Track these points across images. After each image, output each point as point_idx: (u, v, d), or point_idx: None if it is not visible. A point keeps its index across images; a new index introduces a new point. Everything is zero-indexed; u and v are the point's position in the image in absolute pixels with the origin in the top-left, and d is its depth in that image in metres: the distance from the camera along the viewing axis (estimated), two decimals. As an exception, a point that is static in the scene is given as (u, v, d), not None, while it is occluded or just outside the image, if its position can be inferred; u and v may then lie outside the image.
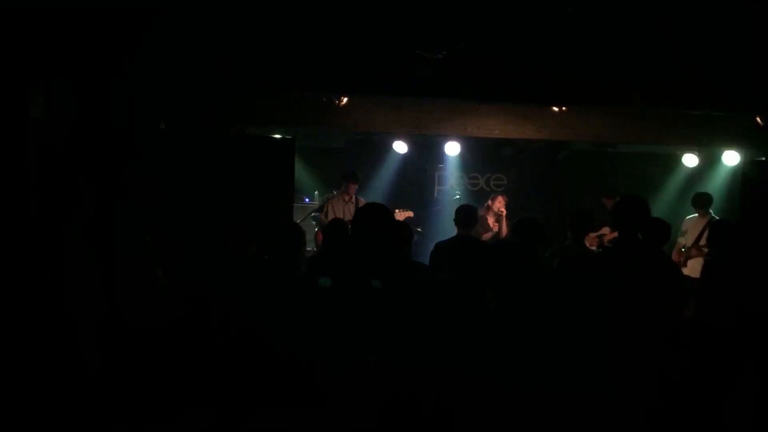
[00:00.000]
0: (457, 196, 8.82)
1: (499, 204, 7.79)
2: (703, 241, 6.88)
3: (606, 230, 7.52)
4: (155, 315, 4.20)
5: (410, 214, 7.87)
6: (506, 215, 7.67)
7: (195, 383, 3.72)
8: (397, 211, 7.56)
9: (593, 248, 6.99)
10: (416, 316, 2.49)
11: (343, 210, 7.56)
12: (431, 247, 5.45)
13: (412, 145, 8.91)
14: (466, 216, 5.40)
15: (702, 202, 7.30)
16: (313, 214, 7.87)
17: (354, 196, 7.75)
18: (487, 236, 7.43)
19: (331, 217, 7.43)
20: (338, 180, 8.00)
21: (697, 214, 7.31)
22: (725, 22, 5.26)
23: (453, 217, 5.48)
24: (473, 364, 2.51)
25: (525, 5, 5.18)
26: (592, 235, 7.34)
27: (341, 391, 2.41)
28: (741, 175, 7.32)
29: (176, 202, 5.69)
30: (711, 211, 7.29)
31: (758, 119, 6.57)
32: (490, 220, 7.75)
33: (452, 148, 8.60)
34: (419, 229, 8.42)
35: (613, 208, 4.62)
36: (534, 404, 2.68)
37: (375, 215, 2.71)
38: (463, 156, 9.14)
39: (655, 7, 5.23)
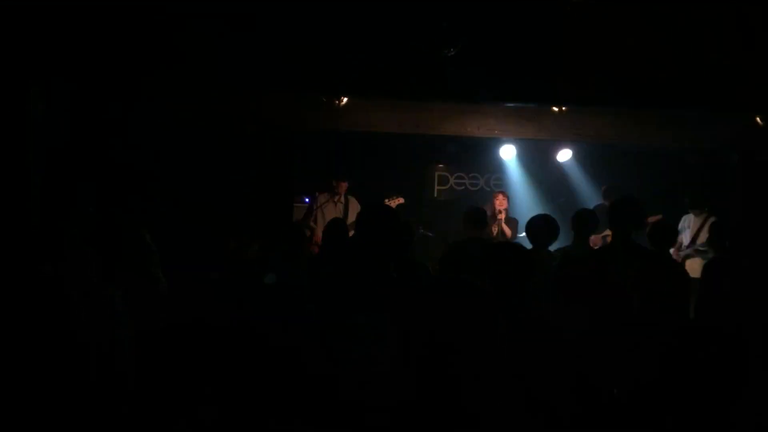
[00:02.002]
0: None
1: (499, 203, 7.73)
2: (700, 240, 6.89)
3: (609, 232, 7.48)
4: (155, 316, 4.19)
5: (401, 200, 7.77)
6: (504, 216, 7.59)
7: (196, 385, 3.72)
8: (386, 201, 7.50)
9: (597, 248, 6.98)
10: (432, 315, 2.48)
11: (334, 212, 7.49)
12: (431, 246, 5.45)
13: (413, 145, 8.90)
14: (476, 217, 5.38)
15: (696, 201, 7.30)
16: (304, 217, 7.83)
17: (344, 196, 7.69)
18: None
19: (321, 220, 7.38)
20: (327, 181, 7.94)
21: (692, 213, 7.32)
22: (725, 22, 5.26)
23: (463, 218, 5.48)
24: (485, 363, 2.51)
25: (525, 5, 5.18)
26: (596, 236, 7.33)
27: (351, 393, 2.41)
28: (741, 175, 7.32)
29: (176, 202, 5.69)
30: (707, 209, 7.29)
31: (758, 119, 6.57)
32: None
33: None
34: (422, 230, 8.41)
35: (608, 208, 4.64)
36: (539, 404, 2.68)
37: (381, 216, 2.70)
38: (464, 156, 9.16)
39: (655, 6, 5.23)
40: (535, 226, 4.81)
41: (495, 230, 7.52)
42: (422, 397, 2.41)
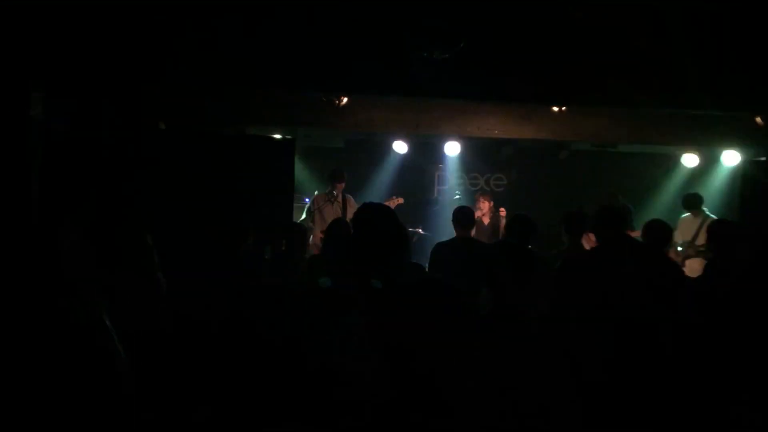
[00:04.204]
0: (457, 196, 8.84)
1: (483, 206, 7.92)
2: (699, 241, 6.90)
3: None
4: (155, 317, 4.19)
5: (400, 200, 7.88)
6: (488, 217, 7.91)
7: (195, 386, 3.72)
8: (386, 201, 7.57)
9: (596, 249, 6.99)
10: (406, 317, 2.49)
11: (332, 212, 7.51)
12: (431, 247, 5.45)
13: (412, 145, 8.92)
14: (464, 217, 5.40)
15: (692, 202, 7.31)
16: (302, 218, 7.85)
17: (342, 195, 7.71)
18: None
19: (319, 220, 7.41)
20: (325, 180, 7.97)
21: (690, 214, 7.33)
22: (725, 22, 5.27)
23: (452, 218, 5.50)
24: (465, 364, 2.51)
25: (525, 5, 5.18)
26: (592, 236, 7.34)
27: (341, 393, 2.41)
28: (740, 175, 7.33)
29: (176, 202, 5.69)
30: (705, 209, 7.29)
31: (758, 119, 6.57)
32: (485, 220, 7.94)
33: (452, 148, 8.65)
34: (420, 230, 8.43)
35: (593, 219, 4.65)
36: (533, 405, 2.68)
37: (379, 215, 2.70)
38: (463, 156, 9.18)
39: (655, 6, 5.23)
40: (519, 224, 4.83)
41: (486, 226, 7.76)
42: (399, 396, 2.41)
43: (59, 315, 3.06)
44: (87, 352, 2.93)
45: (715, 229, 4.99)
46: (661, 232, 4.72)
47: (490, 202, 8.10)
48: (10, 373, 2.87)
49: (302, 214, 7.95)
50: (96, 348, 3.01)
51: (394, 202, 7.72)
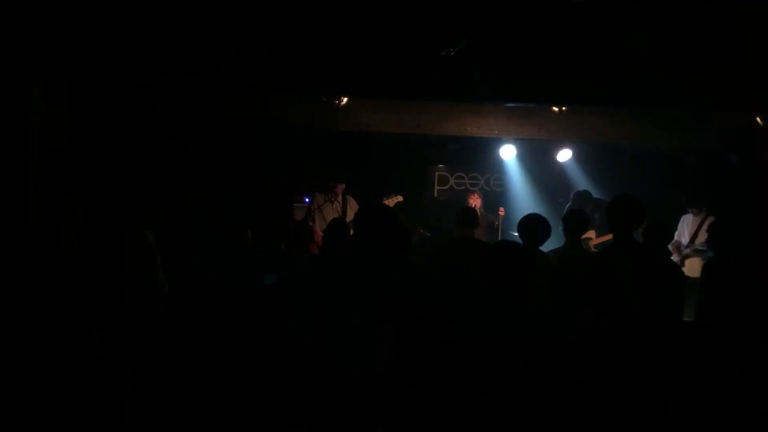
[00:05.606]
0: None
1: (475, 203, 7.92)
2: (699, 240, 6.91)
3: (592, 233, 7.56)
4: (156, 317, 4.19)
5: (399, 198, 7.86)
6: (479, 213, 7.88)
7: (197, 385, 3.72)
8: (385, 199, 7.56)
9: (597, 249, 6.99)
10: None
11: (332, 212, 7.49)
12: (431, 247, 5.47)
13: (413, 145, 8.92)
14: (466, 217, 5.43)
15: (694, 201, 7.31)
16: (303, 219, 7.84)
17: (342, 195, 7.70)
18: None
19: (319, 220, 7.39)
20: (325, 181, 7.95)
21: (691, 214, 7.33)
22: (724, 22, 5.26)
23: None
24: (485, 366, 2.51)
25: (525, 5, 5.18)
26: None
27: (345, 393, 2.41)
28: (741, 175, 7.33)
29: (176, 201, 5.69)
30: (705, 209, 7.30)
31: (758, 119, 6.57)
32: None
33: (453, 148, 8.66)
34: (421, 230, 8.43)
35: (606, 209, 4.60)
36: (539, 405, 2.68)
37: (380, 216, 2.71)
38: (464, 156, 9.19)
39: (655, 6, 5.23)
40: (529, 225, 4.81)
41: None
42: (419, 398, 2.41)
43: (54, 317, 3.05)
44: (80, 356, 2.93)
45: (716, 228, 4.99)
46: (661, 230, 4.71)
47: (479, 200, 8.08)
48: (4, 373, 2.87)
49: (303, 214, 7.94)
50: (89, 352, 3.01)
51: (394, 200, 7.71)
